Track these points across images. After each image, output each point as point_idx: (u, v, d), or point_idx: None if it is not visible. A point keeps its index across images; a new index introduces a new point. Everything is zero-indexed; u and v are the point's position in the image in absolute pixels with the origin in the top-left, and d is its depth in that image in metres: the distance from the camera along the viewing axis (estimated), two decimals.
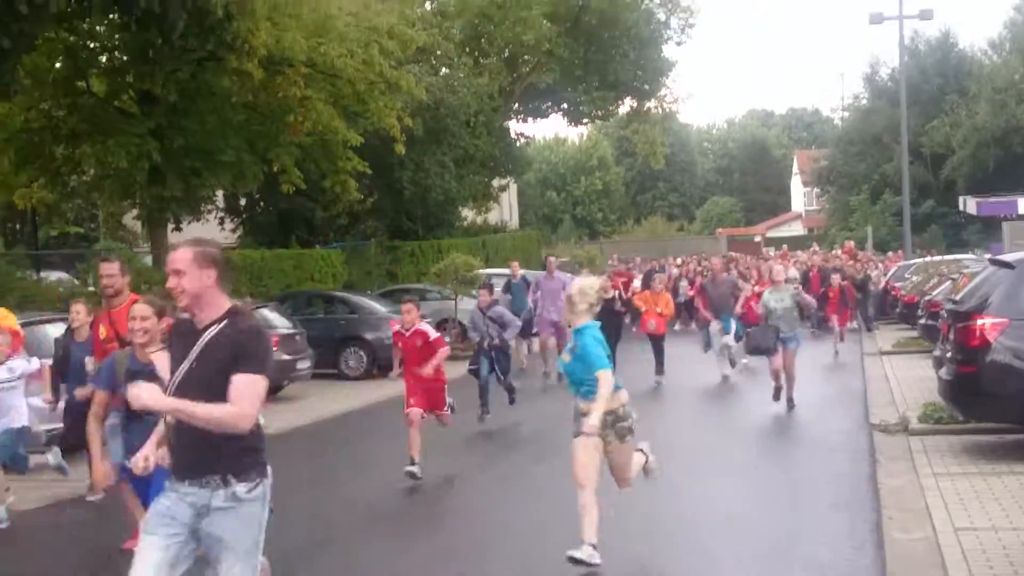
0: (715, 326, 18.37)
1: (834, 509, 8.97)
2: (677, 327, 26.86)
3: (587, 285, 7.63)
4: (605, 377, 7.18)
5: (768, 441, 12.62)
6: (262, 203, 31.42)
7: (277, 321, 18.33)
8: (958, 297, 12.27)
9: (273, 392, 17.94)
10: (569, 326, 7.72)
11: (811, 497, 9.49)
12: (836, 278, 23.13)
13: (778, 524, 8.67)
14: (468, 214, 44.12)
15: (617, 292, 19.52)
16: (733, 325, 18.14)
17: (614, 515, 7.79)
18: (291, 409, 16.69)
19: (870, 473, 10.31)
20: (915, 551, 7.49)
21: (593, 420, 7.10)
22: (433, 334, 11.18)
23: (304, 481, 10.86)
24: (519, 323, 15.67)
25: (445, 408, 11.49)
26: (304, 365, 18.20)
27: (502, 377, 14.79)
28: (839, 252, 36.91)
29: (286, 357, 17.58)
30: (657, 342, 18.48)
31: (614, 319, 18.46)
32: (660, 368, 18.24)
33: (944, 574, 6.83)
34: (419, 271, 32.12)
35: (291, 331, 18.23)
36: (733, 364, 18.37)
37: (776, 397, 14.52)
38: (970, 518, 8.13)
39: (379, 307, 21.65)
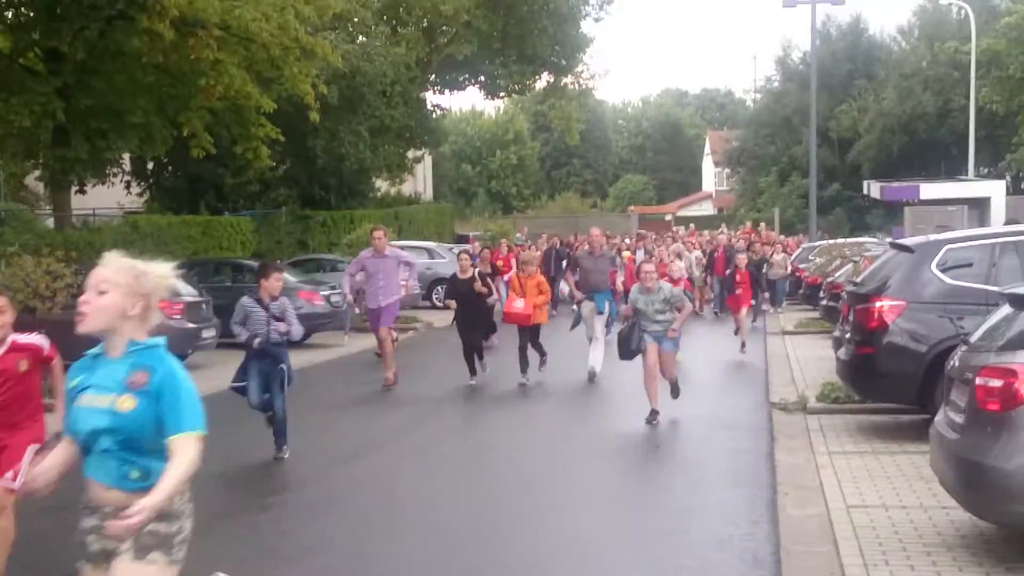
0: (588, 307, 15.62)
1: (732, 485, 9.16)
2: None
3: (129, 267, 4.12)
4: (189, 448, 4.03)
5: (669, 418, 12.80)
6: (170, 167, 30.84)
7: (183, 288, 18.03)
8: (859, 279, 12.58)
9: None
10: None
11: (710, 474, 9.67)
12: (742, 259, 20.23)
13: (677, 499, 8.84)
14: (382, 185, 43.87)
15: (476, 272, 15.74)
16: (608, 307, 15.55)
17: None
18: (196, 378, 16.08)
19: (768, 451, 10.54)
20: (808, 527, 7.70)
21: (150, 503, 3.82)
22: (46, 346, 6.54)
23: (206, 452, 10.74)
24: (301, 330, 11.39)
25: (15, 478, 6.26)
26: (209, 334, 17.94)
27: (276, 409, 10.81)
28: (739, 233, 37.43)
29: (191, 325, 17.31)
30: (525, 335, 15.57)
31: (476, 304, 15.37)
32: (541, 361, 15.75)
33: (835, 549, 7.04)
34: (330, 241, 31.91)
35: (197, 299, 17.96)
36: (592, 374, 15.38)
37: (651, 419, 12.16)
38: (862, 496, 8.38)
39: (289, 277, 21.39)
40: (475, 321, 15.48)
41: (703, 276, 27.28)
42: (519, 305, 15.30)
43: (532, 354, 15.73)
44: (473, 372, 15.42)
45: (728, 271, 22.02)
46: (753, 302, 20.66)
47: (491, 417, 13.36)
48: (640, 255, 28.39)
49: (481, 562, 7.26)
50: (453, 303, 15.59)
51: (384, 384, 15.19)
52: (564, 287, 23.29)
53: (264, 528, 8.16)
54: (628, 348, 12.40)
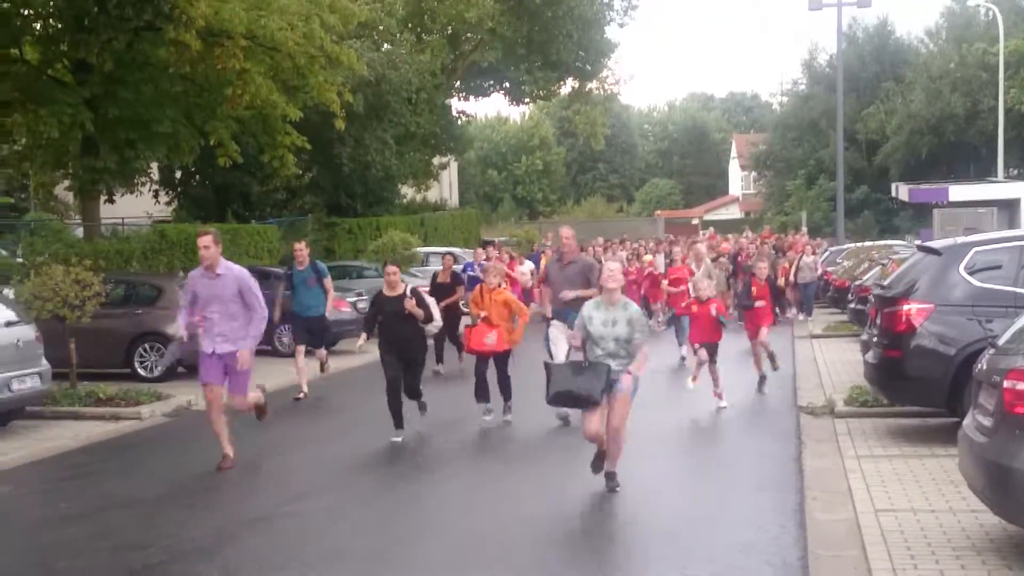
0: (557, 328, 12.29)
1: (760, 489, 9.12)
2: None
3: None
4: None
5: (697, 421, 12.76)
6: (198, 176, 31.06)
7: None
8: (886, 282, 12.50)
9: None
10: None
11: (737, 477, 9.63)
12: (763, 268, 15.58)
13: (704, 503, 8.80)
14: (408, 192, 44.03)
15: (408, 288, 11.73)
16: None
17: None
18: None
19: (796, 454, 10.49)
20: (836, 531, 7.66)
21: None
22: None
23: (236, 459, 10.80)
24: None
25: None
26: None
27: None
28: (758, 237, 36.90)
29: None
30: (485, 363, 12.34)
31: (405, 330, 11.52)
32: (505, 407, 12.50)
33: (863, 554, 7.00)
34: (357, 248, 32.04)
35: None
36: (564, 419, 12.14)
37: (597, 467, 9.13)
38: (890, 499, 8.32)
39: None
40: (402, 354, 11.58)
41: (727, 281, 26.87)
42: (491, 340, 12.08)
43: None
44: (399, 424, 11.62)
45: (745, 280, 17.12)
46: (776, 311, 16.02)
47: (494, 442, 13.26)
48: (661, 260, 25.59)
49: (511, 568, 7.26)
50: (363, 337, 12.05)
51: (220, 465, 10.22)
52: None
53: (288, 534, 8.18)
54: (570, 393, 8.82)
